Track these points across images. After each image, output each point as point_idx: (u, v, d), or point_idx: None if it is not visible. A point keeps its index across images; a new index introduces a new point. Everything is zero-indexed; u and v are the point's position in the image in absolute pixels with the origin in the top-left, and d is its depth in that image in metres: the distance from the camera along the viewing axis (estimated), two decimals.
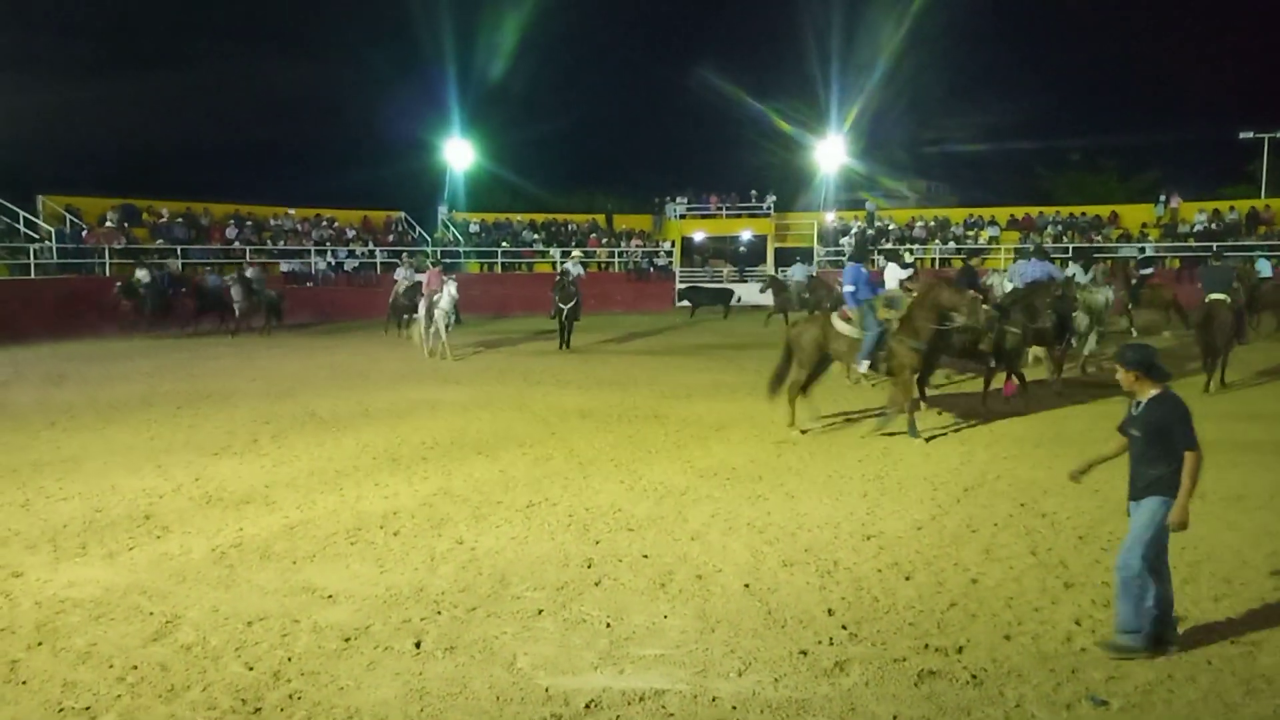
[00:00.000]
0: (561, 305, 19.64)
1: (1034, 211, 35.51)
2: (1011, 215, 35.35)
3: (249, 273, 24.15)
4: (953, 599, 5.63)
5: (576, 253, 27.27)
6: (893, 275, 14.35)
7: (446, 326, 18.15)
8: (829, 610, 5.46)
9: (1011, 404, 12.08)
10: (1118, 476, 8.33)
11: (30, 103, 34.71)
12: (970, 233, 34.46)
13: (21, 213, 25.22)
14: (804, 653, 4.91)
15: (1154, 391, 4.93)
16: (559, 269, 21.46)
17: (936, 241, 33.78)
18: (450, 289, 17.99)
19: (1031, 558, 6.36)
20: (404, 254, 27.22)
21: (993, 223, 34.58)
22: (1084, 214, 34.73)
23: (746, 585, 5.90)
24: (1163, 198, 33.86)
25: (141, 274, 23.08)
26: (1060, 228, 33.69)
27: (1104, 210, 34.86)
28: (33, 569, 6.30)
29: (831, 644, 5.02)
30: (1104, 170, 44.53)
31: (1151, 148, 40.65)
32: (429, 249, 31.91)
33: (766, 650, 4.94)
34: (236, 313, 23.07)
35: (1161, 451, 4.82)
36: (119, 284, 22.63)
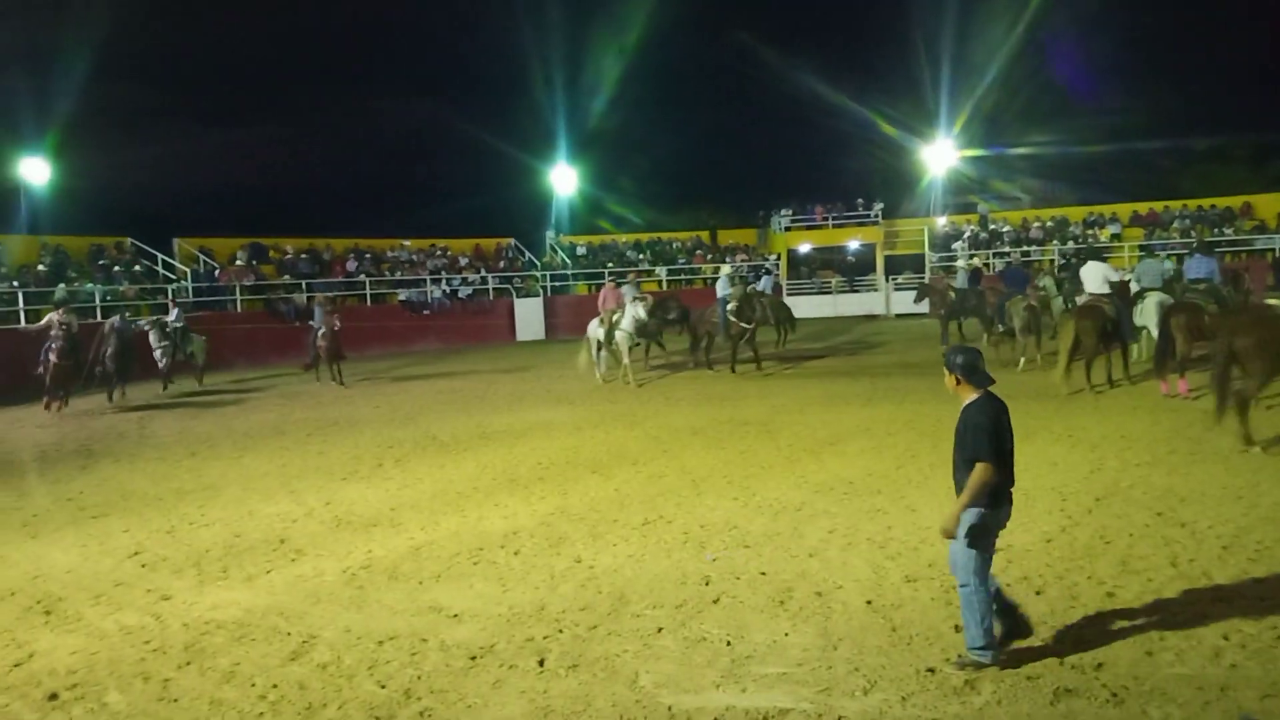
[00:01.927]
0: (746, 325, 17.91)
1: (1159, 206, 33.91)
2: (1134, 211, 33.87)
3: (170, 316, 20.53)
4: (1088, 613, 5.39)
5: (630, 277, 25.10)
6: (1097, 274, 13.74)
7: (630, 349, 16.94)
8: (956, 626, 5.29)
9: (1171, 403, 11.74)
10: (1266, 481, 7.92)
11: (165, 152, 36.98)
12: (1090, 231, 33.14)
13: (160, 255, 26.89)
14: (932, 670, 4.78)
15: (972, 397, 4.79)
16: (735, 284, 19.36)
17: (1055, 242, 32.60)
18: (637, 309, 16.64)
19: (1172, 569, 6.04)
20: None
21: (1114, 219, 33.21)
22: (1213, 206, 32.98)
23: (869, 601, 5.78)
24: None
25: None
26: (1188, 221, 32.08)
27: (1235, 201, 33.02)
28: (180, 592, 6.66)
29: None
30: (1234, 160, 42.15)
31: None
32: (536, 273, 32.54)
33: (892, 668, 4.83)
34: (160, 363, 19.42)
35: (965, 459, 4.72)
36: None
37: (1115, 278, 13.66)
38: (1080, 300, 14.39)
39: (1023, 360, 16.54)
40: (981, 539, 4.72)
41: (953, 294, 21.33)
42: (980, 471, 4.61)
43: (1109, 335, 13.08)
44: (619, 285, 19.88)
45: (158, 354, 19.29)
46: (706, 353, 18.89)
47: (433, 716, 4.61)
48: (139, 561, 7.46)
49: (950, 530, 4.71)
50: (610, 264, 34.31)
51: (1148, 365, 13.76)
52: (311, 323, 19.88)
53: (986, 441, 4.63)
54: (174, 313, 20.53)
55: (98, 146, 32.51)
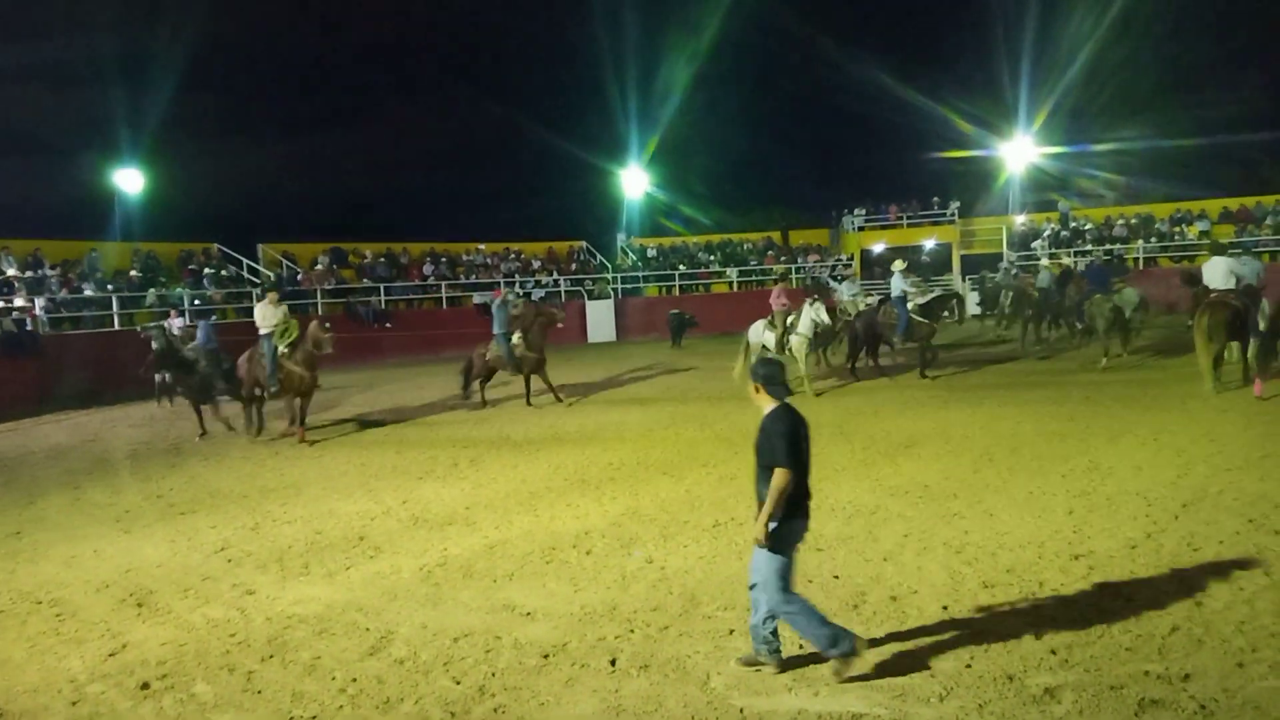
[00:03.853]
0: (935, 326, 16.51)
1: (1250, 202, 32.55)
2: (1225, 207, 32.56)
3: (172, 323, 18.16)
4: (1175, 623, 5.21)
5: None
6: (1223, 269, 13.17)
7: (806, 354, 15.56)
8: (1036, 633, 5.17)
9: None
10: None
11: (250, 161, 38.22)
12: (1177, 229, 32.02)
13: (245, 260, 27.77)
14: (1010, 678, 4.68)
15: (771, 406, 4.79)
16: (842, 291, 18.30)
17: (1140, 241, 31.57)
18: (817, 311, 15.24)
19: (1265, 578, 5.81)
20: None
21: (1202, 216, 32.00)
22: None
23: (944, 607, 5.68)
24: None
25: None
26: None
27: None
28: (263, 587, 6.86)
29: (1040, 669, 4.76)
30: None
31: None
32: (608, 276, 32.66)
33: (969, 675, 4.74)
34: (155, 380, 16.88)
35: (764, 465, 4.68)
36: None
37: (1242, 271, 13.23)
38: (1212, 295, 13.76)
39: (1104, 359, 16.08)
40: (784, 546, 4.74)
41: (1035, 294, 20.81)
42: (779, 477, 4.61)
43: (1237, 332, 12.66)
44: (841, 281, 18.98)
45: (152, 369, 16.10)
46: (874, 357, 17.24)
47: (506, 713, 4.68)
48: (225, 557, 7.71)
49: (761, 539, 4.69)
50: (681, 265, 34.30)
51: (1235, 366, 13.26)
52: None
53: (785, 447, 4.64)
54: (175, 322, 18.07)
55: (187, 156, 33.85)
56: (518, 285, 31.18)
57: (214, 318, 21.24)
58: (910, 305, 16.24)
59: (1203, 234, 31.03)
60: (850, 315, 17.89)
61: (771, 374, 4.91)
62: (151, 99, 31.14)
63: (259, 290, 26.50)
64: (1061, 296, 19.50)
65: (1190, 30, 38.34)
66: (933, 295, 16.90)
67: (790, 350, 15.43)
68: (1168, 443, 9.87)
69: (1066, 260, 24.23)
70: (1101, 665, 4.75)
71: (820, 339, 16.05)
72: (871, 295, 21.42)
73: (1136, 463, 9.08)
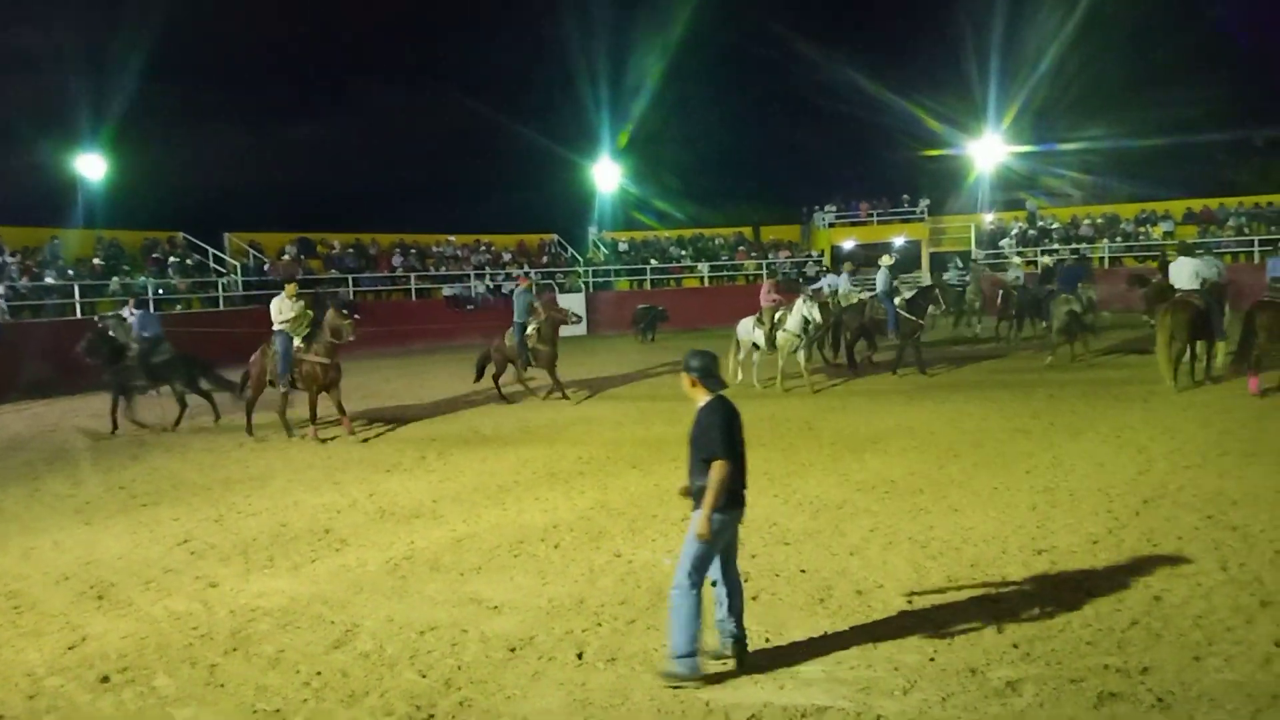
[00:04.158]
0: (921, 322, 16.17)
1: (1214, 204, 33.09)
2: (1189, 208, 33.08)
3: (126, 313, 15.69)
4: (1134, 617, 5.30)
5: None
6: (1189, 270, 13.38)
7: (792, 352, 15.07)
8: (998, 627, 5.24)
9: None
10: None
11: (216, 148, 37.66)
12: (1142, 229, 32.48)
13: (211, 250, 27.39)
14: (973, 671, 4.73)
15: (705, 399, 4.83)
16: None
17: (1105, 240, 31.98)
18: (810, 309, 14.66)
19: (1222, 573, 5.92)
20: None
21: (1167, 217, 32.48)
22: (1270, 204, 32.11)
23: (909, 601, 5.74)
24: None
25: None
26: (1243, 219, 31.29)
27: None
28: (227, 579, 6.79)
29: (1002, 662, 4.82)
30: None
31: None
32: (579, 269, 32.60)
33: (933, 668, 4.79)
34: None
35: (701, 458, 4.70)
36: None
37: (1208, 273, 13.45)
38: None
39: (1050, 358, 16.37)
40: (712, 538, 4.72)
41: (1014, 293, 20.78)
42: (718, 469, 4.64)
43: (1200, 331, 12.87)
44: (841, 274, 18.62)
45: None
46: (872, 350, 17.29)
47: (472, 706, 4.66)
48: (188, 549, 7.62)
49: (705, 532, 4.68)
50: (653, 260, 34.30)
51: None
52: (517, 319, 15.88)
53: (721, 439, 4.67)
54: (132, 314, 15.36)
55: (152, 143, 33.20)
56: (488, 278, 31.06)
57: (179, 307, 20.94)
58: (897, 300, 16.27)
59: (1167, 234, 31.50)
60: (850, 307, 17.77)
61: (705, 366, 4.93)
62: (115, 84, 30.55)
63: (224, 280, 26.27)
64: (1046, 294, 19.46)
65: (1155, 30, 38.81)
66: (915, 290, 16.93)
67: (778, 346, 15.19)
68: (1129, 440, 10.02)
69: (1045, 259, 24.34)
70: (1062, 658, 4.82)
71: (810, 336, 15.66)
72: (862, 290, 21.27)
73: (1098, 459, 9.22)
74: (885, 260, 17.22)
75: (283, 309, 12.91)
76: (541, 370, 15.61)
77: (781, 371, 15.31)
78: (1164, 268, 16.66)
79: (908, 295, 16.53)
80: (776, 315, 15.30)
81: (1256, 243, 29.91)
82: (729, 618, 4.91)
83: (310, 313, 13.34)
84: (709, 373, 4.92)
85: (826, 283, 20.58)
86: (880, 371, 16.73)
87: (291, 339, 12.80)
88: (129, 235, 27.09)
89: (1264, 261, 25.99)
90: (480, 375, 15.96)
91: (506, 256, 33.34)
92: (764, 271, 32.21)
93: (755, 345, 15.72)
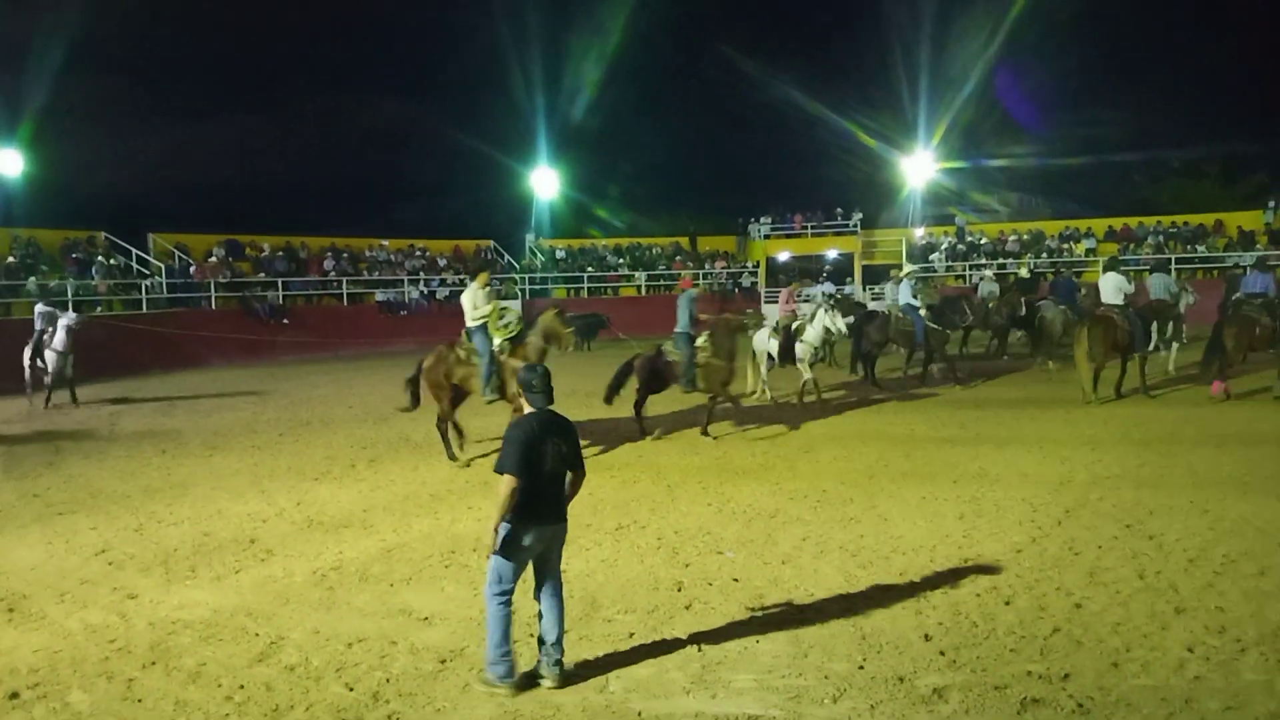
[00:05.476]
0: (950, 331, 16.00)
1: (1133, 222, 34.25)
2: (1109, 226, 34.17)
3: (68, 320, 16.28)
4: (1056, 624, 5.44)
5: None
6: (1112, 285, 13.76)
7: (810, 364, 14.19)
8: (925, 636, 5.33)
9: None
10: (1231, 496, 8.01)
11: (140, 146, 36.68)
12: (1065, 246, 33.46)
13: (134, 250, 26.58)
14: (901, 679, 4.80)
15: (525, 413, 5.04)
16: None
17: (1029, 256, 32.86)
18: (833, 319, 14.04)
19: (1139, 581, 6.11)
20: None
21: (1089, 234, 33.51)
22: (1185, 223, 33.36)
23: (840, 610, 5.80)
24: (1272, 204, 32.25)
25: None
26: (1161, 238, 32.44)
27: (1208, 219, 33.40)
28: (146, 591, 6.58)
29: (929, 670, 4.90)
30: (1206, 176, 42.63)
31: (1257, 155, 38.55)
32: (515, 276, 32.42)
33: (861, 676, 4.85)
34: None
35: (494, 473, 4.90)
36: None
37: (1130, 289, 13.91)
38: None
39: (1052, 364, 16.92)
40: (509, 550, 4.80)
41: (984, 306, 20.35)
42: (502, 484, 4.72)
43: (1121, 345, 13.29)
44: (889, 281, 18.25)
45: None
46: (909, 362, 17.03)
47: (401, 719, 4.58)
48: (106, 559, 7.37)
49: (491, 547, 4.78)
50: (590, 267, 34.26)
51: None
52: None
53: (513, 454, 4.75)
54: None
55: (72, 139, 32.23)
56: (422, 283, 30.70)
57: (99, 309, 20.33)
58: (922, 312, 15.75)
59: (1089, 251, 32.48)
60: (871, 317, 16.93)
61: (529, 381, 5.02)
62: (34, 78, 29.55)
63: (148, 282, 25.52)
64: (1012, 307, 19.38)
65: (1076, 50, 40.22)
66: (940, 300, 16.86)
67: (800, 358, 14.28)
68: (1052, 451, 10.29)
69: (1022, 271, 24.52)
70: (987, 666, 4.92)
71: (824, 346, 14.94)
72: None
73: (1023, 470, 9.45)
74: (907, 268, 17.08)
75: (476, 301, 11.04)
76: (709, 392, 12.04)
77: (816, 383, 14.39)
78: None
79: (934, 305, 16.14)
80: (794, 326, 14.50)
81: (1173, 260, 31.03)
82: (548, 639, 4.92)
83: (515, 310, 12.09)
84: (531, 387, 5.01)
85: (886, 292, 19.50)
86: (909, 386, 15.92)
87: (491, 339, 10.90)
88: (48, 234, 26.16)
89: (1220, 277, 26.86)
90: (614, 395, 12.31)
91: (442, 262, 33.00)
92: (701, 283, 32.35)
93: (770, 356, 14.83)
